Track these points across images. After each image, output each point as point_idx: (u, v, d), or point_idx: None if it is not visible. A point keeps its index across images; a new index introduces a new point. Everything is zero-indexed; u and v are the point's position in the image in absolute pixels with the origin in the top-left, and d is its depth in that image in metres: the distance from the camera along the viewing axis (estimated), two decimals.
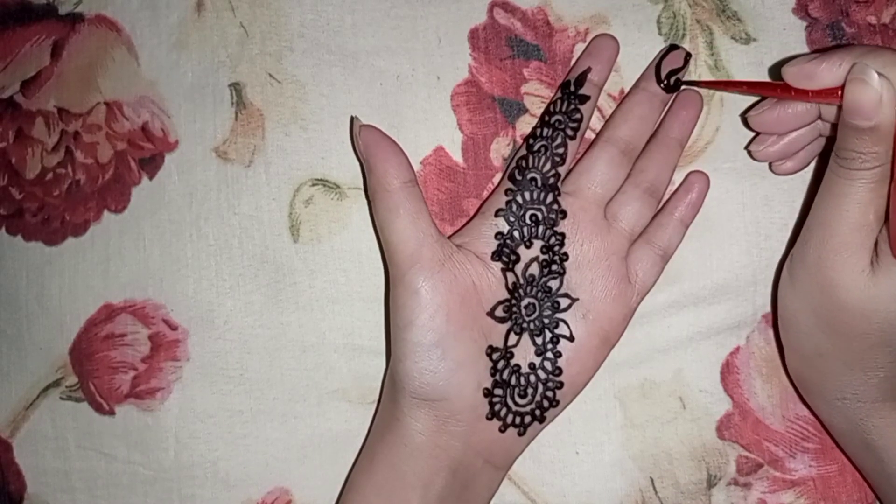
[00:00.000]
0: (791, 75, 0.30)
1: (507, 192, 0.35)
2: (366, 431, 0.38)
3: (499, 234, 0.34)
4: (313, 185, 0.38)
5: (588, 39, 0.38)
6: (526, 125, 0.38)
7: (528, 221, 0.35)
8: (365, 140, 0.33)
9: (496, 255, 0.34)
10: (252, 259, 0.39)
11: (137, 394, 0.39)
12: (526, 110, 0.38)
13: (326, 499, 0.38)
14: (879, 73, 0.27)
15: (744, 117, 0.35)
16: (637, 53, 0.38)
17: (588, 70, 0.36)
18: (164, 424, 0.38)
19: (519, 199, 0.35)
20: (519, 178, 0.35)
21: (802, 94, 0.30)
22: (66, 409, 0.39)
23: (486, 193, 0.38)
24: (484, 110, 0.38)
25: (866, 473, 0.36)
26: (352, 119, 0.31)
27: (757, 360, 0.38)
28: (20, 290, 0.40)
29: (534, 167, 0.35)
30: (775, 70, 0.38)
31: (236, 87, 0.39)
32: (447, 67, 0.38)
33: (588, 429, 0.38)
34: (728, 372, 0.38)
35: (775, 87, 0.31)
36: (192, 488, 0.38)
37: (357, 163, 0.38)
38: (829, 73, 0.29)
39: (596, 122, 0.38)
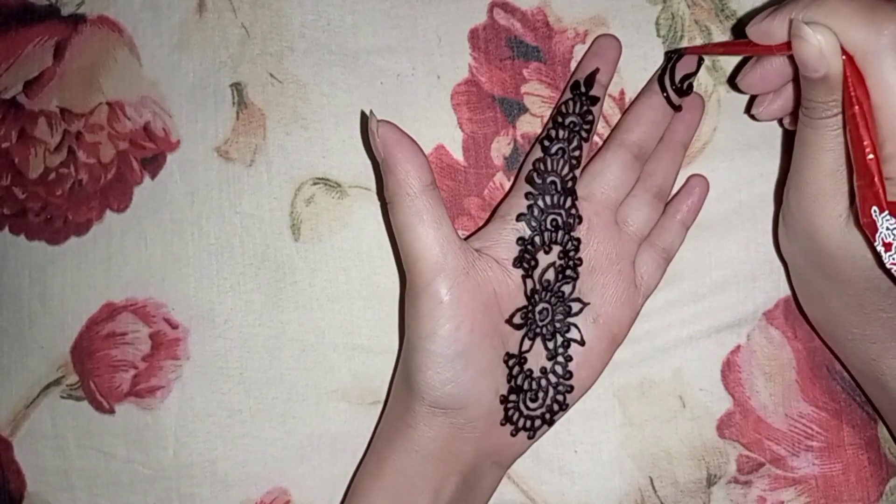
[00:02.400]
0: (752, 34, 0.30)
1: (527, 195, 0.34)
2: (364, 432, 0.38)
3: (520, 240, 0.34)
4: (314, 183, 0.39)
5: (587, 41, 0.38)
6: (526, 124, 0.38)
7: (549, 227, 0.34)
8: (384, 138, 0.31)
9: (518, 262, 0.34)
10: (253, 258, 0.39)
11: (137, 392, 0.39)
12: (526, 110, 0.38)
13: (325, 499, 0.38)
14: (819, 24, 0.27)
15: (733, 83, 0.35)
16: (636, 55, 0.38)
17: (596, 70, 0.36)
18: (164, 423, 0.39)
19: (541, 203, 0.34)
20: (538, 181, 0.34)
21: (767, 50, 0.31)
22: (66, 408, 0.39)
23: (486, 192, 0.38)
24: (484, 109, 0.38)
25: (883, 414, 0.36)
26: (367, 114, 0.30)
27: (759, 358, 0.38)
28: (23, 289, 0.40)
29: (552, 171, 0.34)
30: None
31: (237, 87, 0.39)
32: (447, 67, 0.39)
33: (587, 427, 0.38)
34: (729, 370, 0.38)
35: (746, 45, 0.32)
36: (192, 487, 0.38)
37: (357, 161, 0.38)
38: (781, 28, 0.29)
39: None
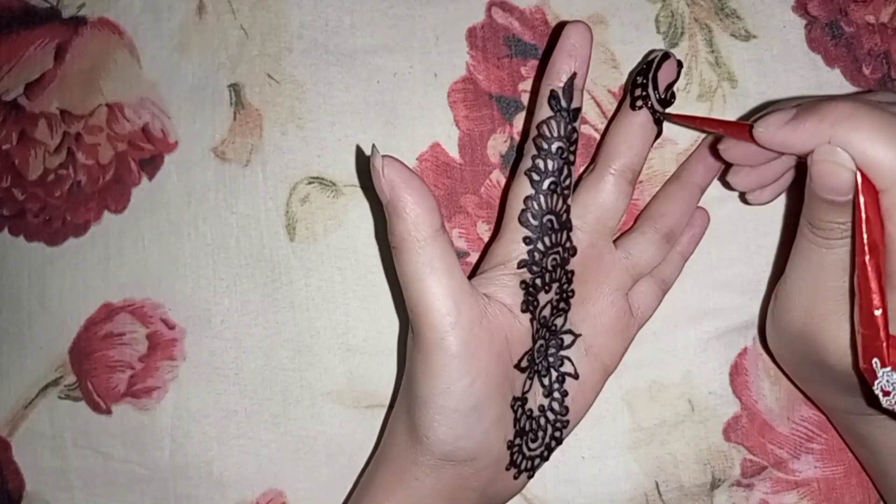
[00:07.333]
0: (762, 139, 0.28)
1: (525, 240, 0.32)
2: (359, 435, 0.38)
3: (523, 283, 0.32)
4: (309, 182, 0.38)
5: None
6: (523, 122, 0.38)
7: (549, 267, 0.32)
8: (391, 179, 0.28)
9: (525, 306, 0.32)
10: (249, 258, 0.39)
11: (134, 393, 0.39)
12: (523, 107, 0.38)
13: (319, 502, 0.38)
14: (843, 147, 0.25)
15: (714, 149, 0.34)
16: (636, 52, 0.38)
17: (574, 76, 0.32)
18: (160, 424, 0.38)
19: (540, 246, 0.32)
20: (535, 223, 0.32)
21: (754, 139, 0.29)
22: (63, 409, 0.39)
23: (483, 189, 0.38)
24: (481, 107, 0.38)
25: (864, 464, 0.36)
26: (373, 148, 0.29)
27: (765, 361, 0.37)
28: (22, 290, 0.40)
29: (548, 209, 0.32)
30: (774, 70, 0.37)
31: (235, 88, 0.39)
32: (444, 65, 0.38)
33: (595, 432, 0.37)
34: (737, 373, 0.37)
35: (736, 128, 0.30)
36: (188, 488, 0.38)
37: (352, 160, 0.38)
38: (802, 142, 0.27)
39: (596, 119, 0.38)
